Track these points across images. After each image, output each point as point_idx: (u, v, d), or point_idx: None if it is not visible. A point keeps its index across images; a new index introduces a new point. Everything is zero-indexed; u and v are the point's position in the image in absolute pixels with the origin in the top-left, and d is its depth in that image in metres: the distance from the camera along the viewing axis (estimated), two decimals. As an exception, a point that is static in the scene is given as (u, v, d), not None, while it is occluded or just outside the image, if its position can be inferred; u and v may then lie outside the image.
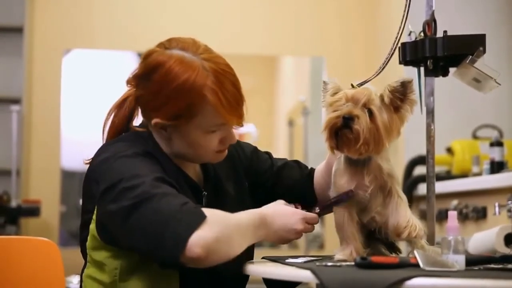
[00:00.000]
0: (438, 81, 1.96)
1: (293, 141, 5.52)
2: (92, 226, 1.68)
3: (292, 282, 1.63)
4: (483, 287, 1.32)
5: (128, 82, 1.77)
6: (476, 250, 2.07)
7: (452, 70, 1.95)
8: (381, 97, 1.65)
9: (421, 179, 3.86)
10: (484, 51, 1.87)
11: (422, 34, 1.93)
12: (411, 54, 1.94)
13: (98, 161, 1.68)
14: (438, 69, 1.93)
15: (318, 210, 1.75)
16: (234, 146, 1.90)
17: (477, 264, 1.58)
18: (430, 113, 1.94)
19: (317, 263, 1.58)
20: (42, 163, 5.23)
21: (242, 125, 1.73)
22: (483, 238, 2.10)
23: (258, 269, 1.66)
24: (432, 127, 1.94)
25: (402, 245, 1.82)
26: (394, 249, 1.77)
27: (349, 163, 1.69)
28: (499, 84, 1.91)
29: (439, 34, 1.91)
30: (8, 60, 5.18)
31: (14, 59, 5.14)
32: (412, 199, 3.91)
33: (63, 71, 5.32)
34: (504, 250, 1.99)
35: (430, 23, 1.92)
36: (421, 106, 1.92)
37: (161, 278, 1.67)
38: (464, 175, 3.71)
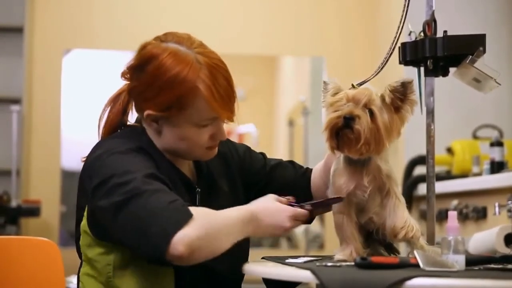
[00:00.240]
0: (438, 81, 1.96)
1: (293, 141, 5.52)
2: (84, 222, 1.70)
3: (292, 282, 1.63)
4: (483, 287, 1.32)
5: (123, 74, 1.79)
6: (476, 250, 2.07)
7: (452, 70, 1.94)
8: (382, 97, 1.65)
9: (421, 179, 3.86)
10: (484, 51, 1.87)
11: (422, 34, 1.93)
12: (411, 54, 1.94)
13: (91, 158, 1.70)
14: (438, 69, 1.93)
15: (310, 208, 1.74)
16: (228, 146, 1.93)
17: (477, 264, 1.58)
18: (430, 113, 1.94)
19: (317, 263, 1.58)
20: (42, 163, 5.23)
21: (233, 121, 1.75)
22: (483, 238, 2.10)
23: (258, 269, 1.66)
24: (432, 127, 1.94)
25: (402, 246, 1.82)
26: (392, 250, 1.77)
27: (349, 163, 1.69)
28: (499, 84, 1.91)
29: (439, 34, 1.91)
30: (8, 60, 5.18)
31: (14, 59, 5.14)
32: (412, 199, 3.91)
33: (63, 71, 5.32)
34: (504, 250, 1.98)
35: (430, 23, 1.92)
36: (421, 106, 1.92)
37: (155, 274, 1.68)
38: (464, 175, 3.71)
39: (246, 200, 1.87)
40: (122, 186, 1.57)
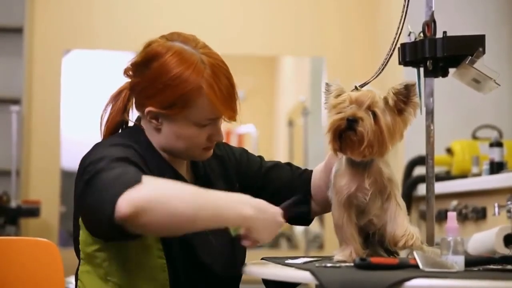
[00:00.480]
0: (438, 81, 1.96)
1: (293, 141, 5.51)
2: (81, 220, 1.71)
3: (292, 283, 1.63)
4: (483, 288, 1.32)
5: (125, 70, 1.81)
6: (476, 251, 2.07)
7: (451, 70, 1.95)
8: (385, 100, 1.65)
9: (421, 179, 3.86)
10: (483, 52, 1.87)
11: (421, 34, 1.93)
12: (410, 54, 1.94)
13: (82, 159, 1.71)
14: (438, 69, 1.93)
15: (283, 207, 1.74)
16: (225, 149, 1.95)
17: (476, 265, 1.58)
18: (430, 113, 1.94)
19: (317, 264, 1.58)
20: (42, 163, 5.23)
21: (235, 120, 1.76)
22: (483, 238, 2.10)
23: (258, 270, 1.66)
24: (432, 128, 1.94)
25: (401, 246, 1.82)
26: (392, 251, 1.77)
27: (351, 165, 1.69)
28: (499, 85, 1.91)
29: (439, 34, 1.91)
30: (8, 61, 5.18)
31: (14, 59, 5.14)
32: (412, 200, 3.91)
33: (63, 71, 5.32)
34: (504, 250, 1.98)
35: (430, 24, 1.92)
36: (420, 107, 1.92)
37: (149, 271, 1.69)
38: (463, 175, 3.71)
39: None
40: (90, 171, 1.59)
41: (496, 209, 2.35)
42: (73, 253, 1.77)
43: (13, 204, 4.62)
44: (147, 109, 1.75)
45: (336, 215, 1.71)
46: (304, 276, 1.46)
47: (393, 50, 1.90)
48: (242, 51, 5.43)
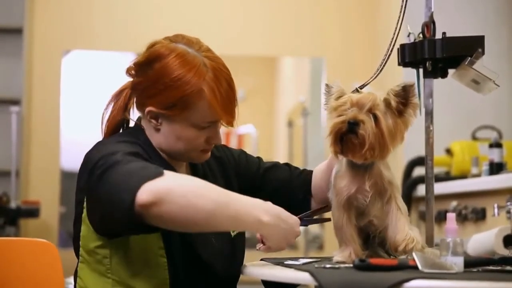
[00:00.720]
0: (437, 82, 1.96)
1: (293, 141, 5.51)
2: (85, 214, 1.71)
3: (291, 284, 1.63)
4: (482, 289, 1.32)
5: (128, 69, 1.82)
6: (475, 252, 2.06)
7: (451, 71, 1.95)
8: (386, 102, 1.64)
9: (420, 180, 3.86)
10: (483, 53, 1.87)
11: (421, 35, 1.93)
12: (410, 55, 1.94)
13: (86, 155, 1.72)
14: (437, 70, 1.93)
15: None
16: (224, 151, 1.97)
17: (475, 266, 1.58)
18: (429, 114, 1.94)
19: (316, 265, 1.58)
20: (41, 164, 5.23)
21: (232, 125, 1.78)
22: (482, 239, 2.09)
23: (257, 271, 1.66)
24: (431, 129, 1.94)
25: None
26: (390, 255, 1.77)
27: (351, 166, 1.69)
28: (498, 86, 1.91)
29: (438, 35, 1.91)
30: (7, 61, 5.18)
31: (14, 60, 5.14)
32: (411, 200, 3.91)
33: (62, 72, 5.33)
34: (503, 251, 1.98)
35: (429, 25, 1.93)
36: (420, 108, 1.92)
37: (150, 269, 1.70)
38: (463, 176, 3.71)
39: None
40: (103, 164, 1.59)
41: (496, 210, 2.34)
42: (73, 253, 1.78)
43: (13, 204, 4.62)
44: (147, 109, 1.76)
45: (336, 216, 1.71)
46: (303, 277, 1.46)
47: (391, 51, 1.90)
48: (242, 52, 5.43)
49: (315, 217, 1.87)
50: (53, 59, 5.30)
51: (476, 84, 1.92)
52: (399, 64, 1.98)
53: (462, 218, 3.35)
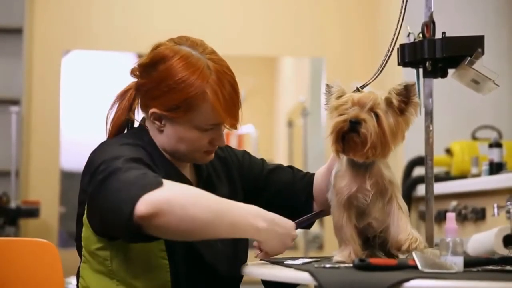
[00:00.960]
0: (437, 82, 1.96)
1: (293, 141, 5.51)
2: (85, 215, 1.72)
3: (291, 284, 1.63)
4: (481, 288, 1.32)
5: (132, 71, 1.82)
6: (475, 251, 2.07)
7: (451, 71, 1.95)
8: (387, 101, 1.65)
9: (420, 180, 3.86)
10: (482, 53, 1.87)
11: (420, 35, 1.93)
12: (409, 55, 1.94)
13: (90, 156, 1.73)
14: (437, 70, 1.93)
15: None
16: (228, 151, 1.97)
17: (475, 265, 1.58)
18: (429, 114, 1.94)
19: (316, 265, 1.58)
20: (41, 164, 5.23)
21: (236, 128, 1.78)
22: (482, 239, 2.10)
23: (257, 270, 1.66)
24: (431, 128, 1.94)
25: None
26: (391, 254, 1.76)
27: (351, 166, 1.69)
28: (498, 86, 1.91)
29: (438, 35, 1.91)
30: (7, 61, 5.18)
31: (14, 60, 5.14)
32: (411, 200, 3.91)
33: (62, 72, 5.32)
34: (503, 251, 1.98)
35: (429, 25, 1.93)
36: (420, 108, 1.92)
37: (151, 271, 1.70)
38: (463, 176, 3.71)
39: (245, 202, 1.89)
40: (105, 169, 1.60)
41: (496, 210, 2.34)
42: (73, 253, 1.78)
43: (13, 204, 4.62)
44: (151, 110, 1.76)
45: (336, 216, 1.70)
46: (303, 277, 1.46)
47: (391, 51, 1.90)
48: (242, 52, 5.43)
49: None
50: (53, 59, 5.30)
51: (476, 84, 1.92)
52: (399, 64, 1.98)
53: (462, 218, 3.35)
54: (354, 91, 1.69)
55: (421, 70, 1.95)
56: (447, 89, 2.72)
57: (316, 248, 5.33)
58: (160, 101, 1.74)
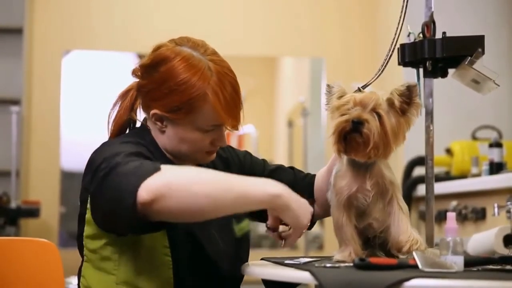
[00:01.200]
0: (437, 82, 1.96)
1: (293, 142, 5.52)
2: (88, 214, 1.71)
3: (291, 283, 1.63)
4: (482, 288, 1.32)
5: (133, 71, 1.82)
6: (475, 251, 2.07)
7: (451, 71, 1.95)
8: (388, 101, 1.65)
9: (421, 180, 3.86)
10: (483, 53, 1.87)
11: (421, 35, 1.93)
12: (410, 55, 1.94)
13: (92, 155, 1.72)
14: (437, 70, 1.93)
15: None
16: (229, 151, 1.97)
17: (475, 265, 1.58)
18: (429, 114, 1.94)
19: (316, 264, 1.58)
20: (41, 164, 5.23)
21: (237, 129, 1.79)
22: (482, 239, 2.10)
23: (257, 270, 1.66)
24: (431, 128, 1.94)
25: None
26: (392, 254, 1.76)
27: (352, 166, 1.69)
28: (498, 86, 1.91)
29: (438, 35, 1.91)
30: (7, 61, 5.19)
31: (14, 60, 5.14)
32: (412, 200, 3.91)
33: (62, 72, 5.33)
34: (503, 251, 1.98)
35: (429, 25, 1.93)
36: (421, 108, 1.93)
37: (154, 268, 1.70)
38: (463, 176, 3.71)
39: None
40: (106, 166, 1.59)
41: (496, 210, 2.34)
42: (73, 253, 1.78)
43: (13, 204, 4.63)
44: (152, 111, 1.76)
45: (336, 216, 1.70)
46: (303, 276, 1.46)
47: (393, 51, 1.90)
48: (242, 52, 5.43)
49: None
50: (53, 59, 5.31)
51: (476, 83, 1.92)
52: (399, 64, 1.98)
53: (462, 217, 3.36)
54: (356, 91, 1.69)
55: (421, 70, 1.95)
56: (447, 89, 2.72)
57: (316, 248, 5.33)
58: (161, 103, 1.74)
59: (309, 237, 5.11)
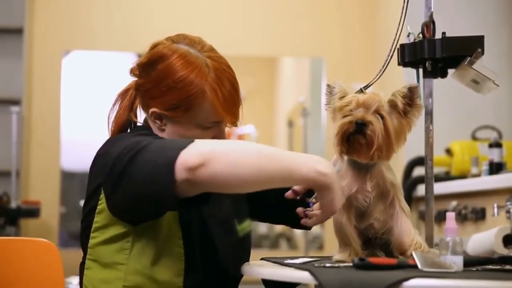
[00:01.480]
0: (437, 82, 1.96)
1: (293, 142, 5.52)
2: (102, 205, 1.69)
3: (291, 283, 1.63)
4: (481, 288, 1.32)
5: (131, 70, 1.82)
6: (475, 251, 2.07)
7: (450, 71, 1.95)
8: (390, 103, 1.65)
9: (421, 180, 3.86)
10: (482, 53, 1.87)
11: (420, 35, 1.93)
12: (409, 55, 1.94)
13: (103, 150, 1.71)
14: (437, 70, 1.93)
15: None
16: None
17: (475, 265, 1.58)
18: (429, 114, 1.94)
19: (316, 264, 1.58)
20: (42, 164, 5.24)
21: (236, 125, 1.78)
22: (482, 239, 2.10)
23: (257, 270, 1.66)
24: (431, 129, 1.94)
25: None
26: (392, 254, 1.76)
27: (352, 167, 1.68)
28: (498, 86, 1.92)
29: (438, 35, 1.91)
30: (7, 61, 5.19)
31: (14, 60, 5.15)
32: (412, 200, 3.91)
33: (62, 72, 5.33)
34: (503, 251, 1.99)
35: (429, 25, 1.93)
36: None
37: (167, 259, 1.69)
38: (463, 176, 3.71)
39: (247, 202, 1.89)
40: (131, 150, 1.59)
41: (495, 210, 2.35)
42: (73, 253, 1.78)
43: (13, 204, 4.63)
44: (151, 110, 1.76)
45: (336, 216, 1.70)
46: (303, 276, 1.46)
47: (393, 51, 1.90)
48: (242, 52, 5.44)
49: None
50: (53, 59, 5.31)
51: (476, 84, 1.93)
52: (399, 64, 1.98)
53: (462, 218, 3.36)
54: (357, 92, 1.68)
55: (421, 70, 1.95)
56: (447, 89, 2.72)
57: (316, 248, 5.33)
58: (159, 101, 1.74)
59: (309, 237, 5.11)
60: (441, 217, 3.40)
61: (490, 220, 3.18)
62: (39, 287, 1.89)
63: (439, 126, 2.07)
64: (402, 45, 1.95)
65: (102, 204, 1.69)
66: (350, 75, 5.20)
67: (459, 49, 1.89)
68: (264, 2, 5.54)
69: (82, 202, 1.78)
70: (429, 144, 1.94)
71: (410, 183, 3.94)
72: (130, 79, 1.84)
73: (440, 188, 3.18)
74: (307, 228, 2.01)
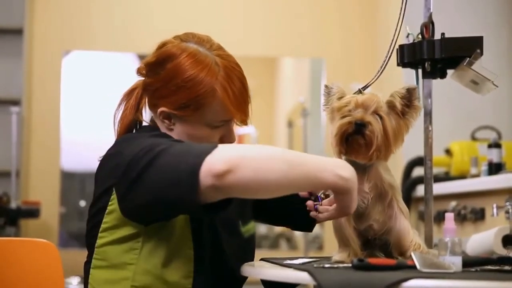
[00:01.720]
0: (436, 83, 1.96)
1: (293, 142, 5.52)
2: (113, 206, 1.67)
3: (290, 283, 1.63)
4: (480, 288, 1.32)
5: (139, 70, 1.80)
6: (474, 252, 2.07)
7: (450, 72, 1.95)
8: (389, 104, 1.65)
9: (420, 180, 3.86)
10: (481, 53, 1.87)
11: (420, 36, 1.93)
12: (409, 56, 1.94)
13: (114, 150, 1.69)
14: (436, 71, 1.93)
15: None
16: None
17: (474, 265, 1.58)
18: (428, 115, 1.94)
19: (315, 265, 1.58)
20: (41, 164, 5.24)
21: (246, 124, 1.78)
22: (481, 239, 2.10)
23: (256, 270, 1.66)
24: (430, 129, 1.94)
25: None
26: (391, 255, 1.77)
27: None
28: (497, 86, 1.92)
29: (437, 36, 1.92)
30: (7, 62, 5.19)
31: (14, 60, 5.15)
32: (411, 201, 3.91)
33: (62, 72, 5.33)
34: (502, 251, 1.99)
35: (428, 25, 1.93)
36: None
37: (177, 261, 1.68)
38: (462, 176, 3.71)
39: (251, 203, 1.89)
40: (148, 152, 1.57)
41: (495, 210, 2.35)
42: (73, 253, 1.78)
43: (13, 205, 4.63)
44: (159, 109, 1.74)
45: (335, 217, 1.71)
46: (302, 276, 1.46)
47: (391, 52, 1.90)
48: (242, 52, 5.42)
49: None
50: (53, 60, 5.31)
51: (475, 84, 1.93)
52: (398, 65, 1.98)
53: (461, 218, 3.36)
54: (356, 92, 1.68)
55: (420, 71, 1.95)
56: (447, 89, 2.73)
57: (316, 249, 5.33)
58: (168, 100, 1.72)
59: (309, 237, 5.11)
60: (440, 218, 3.41)
61: (489, 221, 3.18)
62: (38, 287, 1.89)
63: (438, 126, 2.08)
64: (401, 46, 1.95)
65: (113, 205, 1.67)
66: (350, 76, 5.20)
67: (458, 50, 1.89)
68: (264, 2, 5.54)
69: (82, 202, 1.78)
70: (428, 145, 1.94)
71: (409, 184, 3.94)
72: (130, 80, 1.83)
73: (439, 188, 3.18)
74: (308, 230, 2.01)
